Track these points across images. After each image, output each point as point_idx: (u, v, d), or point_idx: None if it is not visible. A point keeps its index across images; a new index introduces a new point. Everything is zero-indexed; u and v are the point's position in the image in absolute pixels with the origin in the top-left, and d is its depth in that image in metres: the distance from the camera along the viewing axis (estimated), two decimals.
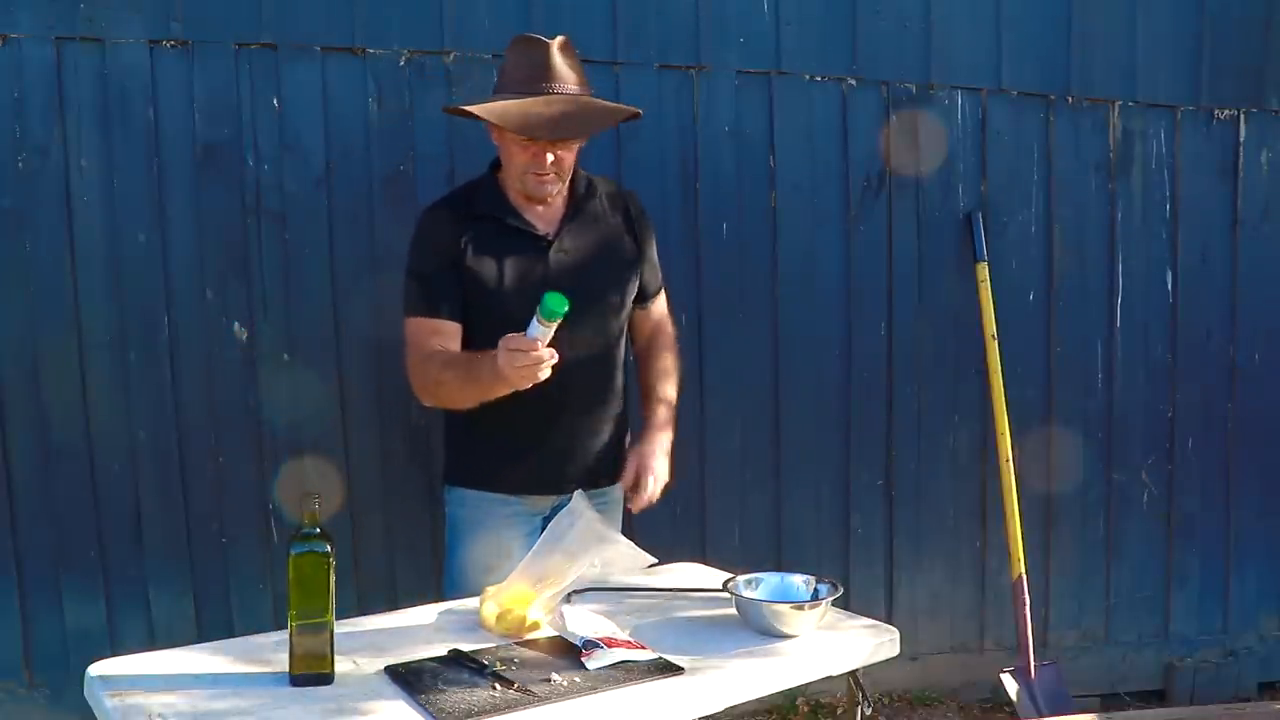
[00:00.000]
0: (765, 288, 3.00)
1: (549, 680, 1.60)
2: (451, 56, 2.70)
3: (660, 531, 2.87)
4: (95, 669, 1.61)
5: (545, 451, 2.23)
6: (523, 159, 2.13)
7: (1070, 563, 3.31)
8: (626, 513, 2.50)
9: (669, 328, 2.46)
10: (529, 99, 2.10)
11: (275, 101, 2.59)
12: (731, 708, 1.71)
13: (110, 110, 2.49)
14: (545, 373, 1.87)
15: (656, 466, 2.25)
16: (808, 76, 2.98)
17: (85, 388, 2.53)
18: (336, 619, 1.59)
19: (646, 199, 2.42)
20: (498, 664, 1.65)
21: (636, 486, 2.25)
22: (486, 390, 2.01)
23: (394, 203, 2.65)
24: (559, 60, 2.13)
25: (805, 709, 3.11)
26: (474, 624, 1.85)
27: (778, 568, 2.03)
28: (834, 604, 1.89)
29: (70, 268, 2.50)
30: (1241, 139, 3.33)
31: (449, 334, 2.16)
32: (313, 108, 2.61)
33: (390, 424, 2.72)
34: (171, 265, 2.56)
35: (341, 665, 1.61)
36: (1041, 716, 2.96)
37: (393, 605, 2.15)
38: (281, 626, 1.63)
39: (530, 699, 1.54)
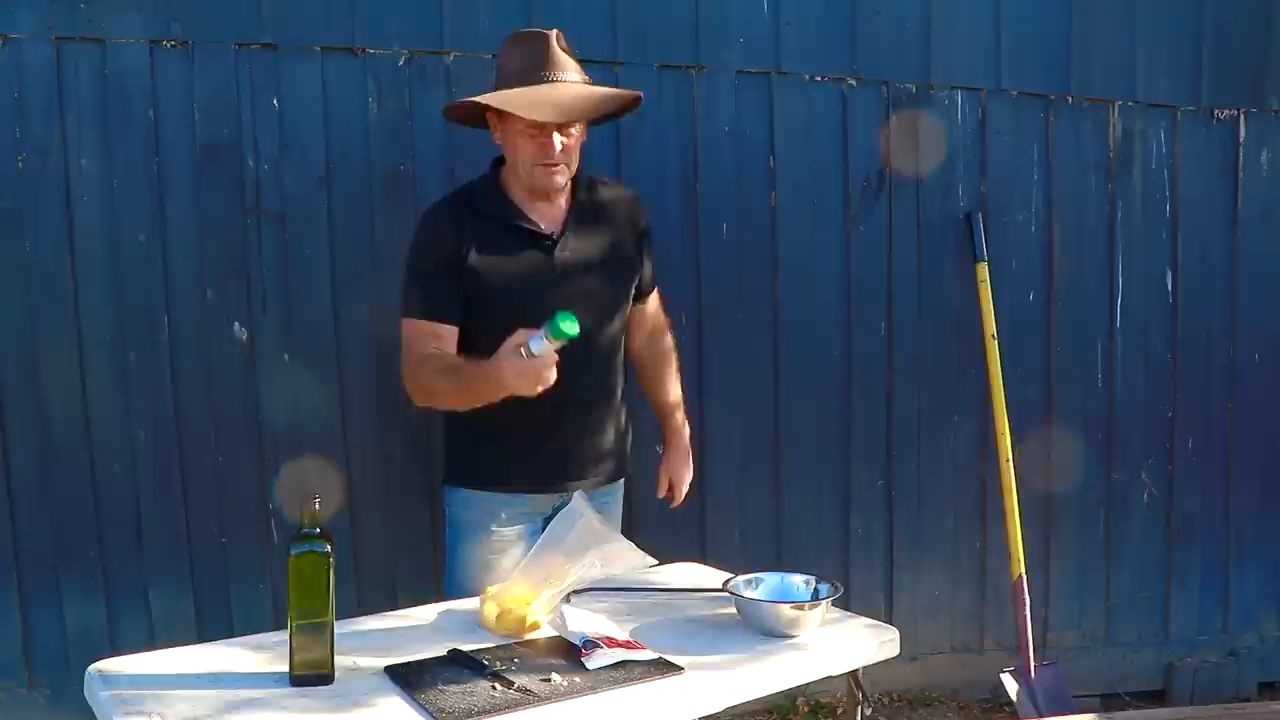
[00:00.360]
0: (765, 288, 3.00)
1: (549, 680, 1.60)
2: (451, 56, 2.70)
3: (660, 531, 2.87)
4: (95, 668, 1.61)
5: (547, 450, 2.23)
6: (530, 149, 2.12)
7: (1070, 563, 3.31)
8: (626, 512, 2.51)
9: (664, 323, 2.49)
10: (532, 87, 2.10)
11: (275, 101, 2.59)
12: (731, 708, 1.71)
13: (110, 110, 2.49)
14: (548, 381, 1.88)
15: (687, 476, 2.51)
16: (808, 76, 2.98)
17: (85, 388, 2.53)
18: (336, 619, 1.59)
19: (646, 199, 2.42)
20: (498, 664, 1.65)
21: (670, 493, 2.52)
22: (483, 398, 2.02)
23: (394, 203, 2.65)
24: (558, 50, 2.15)
25: (805, 709, 3.11)
26: (474, 624, 1.85)
27: (778, 568, 2.02)
28: (834, 604, 1.90)
29: (70, 268, 2.50)
30: (1241, 139, 3.33)
31: (446, 338, 2.16)
32: (312, 108, 2.61)
33: (390, 424, 2.72)
34: (171, 265, 2.56)
35: (341, 665, 1.61)
36: (1041, 716, 2.96)
37: (393, 605, 2.14)
38: (281, 626, 1.63)
39: (530, 699, 1.54)
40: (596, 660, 1.66)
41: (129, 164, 2.52)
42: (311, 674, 1.57)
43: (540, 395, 1.94)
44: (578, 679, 1.62)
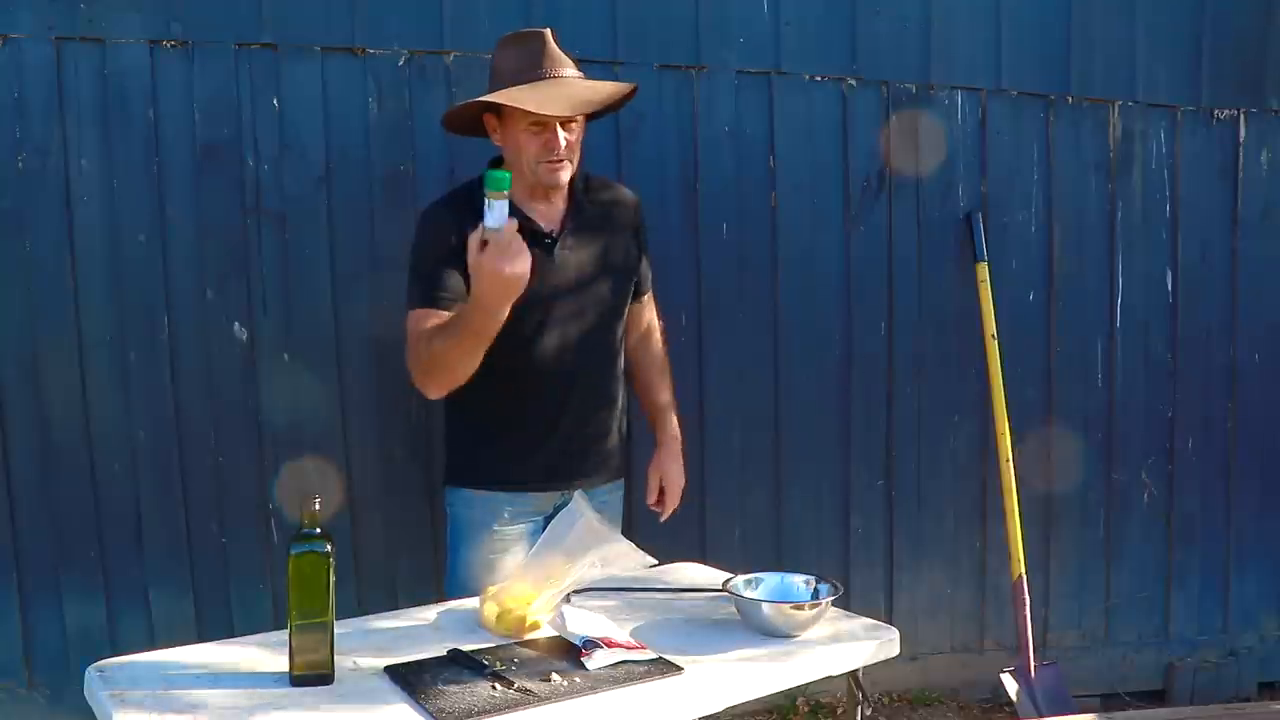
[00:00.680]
0: (765, 288, 3.00)
1: (549, 680, 1.60)
2: (451, 56, 2.70)
3: (660, 531, 2.87)
4: (95, 669, 1.61)
5: (548, 449, 2.23)
6: (535, 146, 2.12)
7: (1070, 563, 3.31)
8: (626, 512, 2.51)
9: (657, 324, 2.49)
10: (533, 85, 2.10)
11: (275, 101, 2.59)
12: (731, 708, 1.71)
13: (110, 110, 2.49)
14: (524, 264, 1.80)
15: (678, 479, 2.43)
16: (808, 76, 2.98)
17: (85, 388, 2.53)
18: (336, 619, 1.59)
19: (646, 199, 2.42)
20: (498, 664, 1.65)
21: (661, 500, 2.44)
22: (483, 331, 1.92)
23: (394, 203, 2.65)
24: (555, 47, 2.16)
25: (805, 709, 3.11)
26: (474, 624, 1.85)
27: (778, 568, 2.02)
28: (834, 604, 1.89)
29: (70, 268, 2.50)
30: (1241, 139, 3.33)
31: None
32: (313, 108, 2.61)
33: (390, 424, 2.72)
34: (171, 265, 2.56)
35: (341, 665, 1.61)
36: (1041, 716, 2.96)
37: (393, 605, 2.15)
38: (281, 626, 1.63)
39: (530, 699, 1.54)
40: (596, 660, 1.66)
41: (129, 164, 2.52)
42: (311, 674, 1.57)
43: (542, 390, 2.02)
44: (578, 679, 1.62)
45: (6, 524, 2.50)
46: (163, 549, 2.60)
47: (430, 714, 1.49)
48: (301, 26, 2.58)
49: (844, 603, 1.98)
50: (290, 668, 1.57)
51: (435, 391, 2.09)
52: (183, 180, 2.55)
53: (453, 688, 1.57)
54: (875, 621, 1.95)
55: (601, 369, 2.28)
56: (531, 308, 2.15)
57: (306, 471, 2.63)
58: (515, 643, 1.77)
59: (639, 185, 2.46)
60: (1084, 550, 3.32)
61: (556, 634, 1.78)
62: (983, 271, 3.09)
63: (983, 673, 3.20)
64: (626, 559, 1.85)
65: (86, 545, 2.55)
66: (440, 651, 1.71)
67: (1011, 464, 3.07)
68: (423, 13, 2.66)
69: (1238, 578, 3.45)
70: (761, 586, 1.94)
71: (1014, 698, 3.03)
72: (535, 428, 2.19)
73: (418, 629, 1.85)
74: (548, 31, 2.17)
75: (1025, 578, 3.06)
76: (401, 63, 2.67)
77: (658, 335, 2.49)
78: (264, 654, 1.68)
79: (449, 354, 1.99)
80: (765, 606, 1.85)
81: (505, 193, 1.77)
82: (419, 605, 2.00)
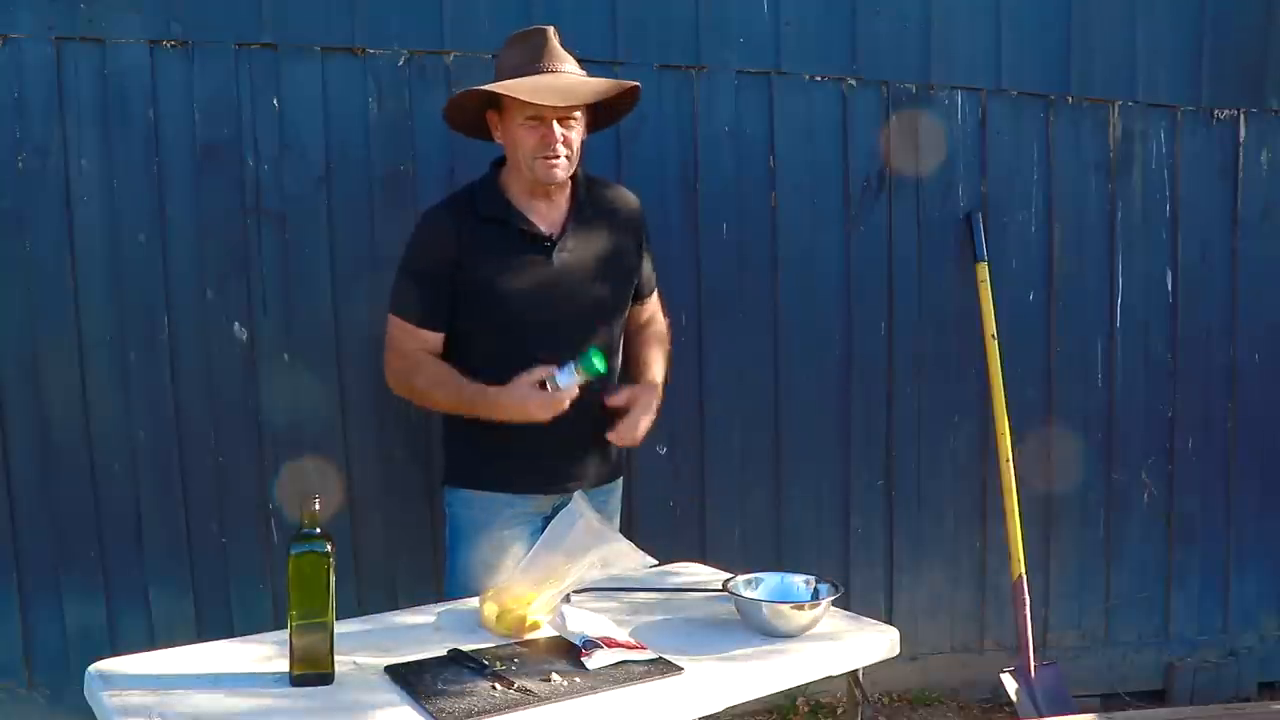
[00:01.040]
0: (765, 288, 3.00)
1: (549, 680, 1.60)
2: (451, 56, 2.70)
3: (660, 531, 2.87)
4: (95, 669, 1.61)
5: (546, 452, 2.23)
6: (531, 141, 2.13)
7: (1070, 563, 3.31)
8: (626, 512, 2.51)
9: (661, 322, 2.47)
10: (532, 76, 2.11)
11: (275, 101, 2.59)
12: (731, 708, 1.71)
13: (110, 110, 2.49)
14: (549, 415, 2.08)
15: (645, 413, 2.24)
16: (808, 76, 2.98)
17: (85, 388, 2.53)
18: (336, 619, 1.59)
19: (646, 199, 2.42)
20: (498, 664, 1.65)
21: (625, 414, 2.24)
22: (470, 409, 2.16)
23: (394, 203, 2.65)
24: (555, 43, 2.17)
25: (805, 709, 3.11)
26: (474, 624, 1.85)
27: (778, 568, 2.02)
28: (834, 604, 1.89)
29: (70, 268, 2.50)
30: (1241, 139, 3.33)
31: (431, 344, 2.21)
32: (312, 108, 2.61)
33: (390, 424, 2.72)
34: (171, 265, 2.56)
35: (341, 665, 1.61)
36: (1041, 716, 2.96)
37: (393, 605, 2.15)
38: (281, 626, 1.63)
39: (530, 699, 1.54)
40: (596, 660, 1.66)
41: (129, 164, 2.52)
42: (311, 674, 1.57)
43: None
44: (578, 679, 1.62)
45: (6, 524, 2.50)
46: (163, 549, 2.60)
47: (430, 714, 1.49)
48: (301, 26, 2.58)
49: (844, 603, 1.98)
50: (290, 668, 1.57)
51: (400, 395, 2.29)
52: (183, 180, 2.55)
53: (453, 688, 1.57)
54: (875, 621, 1.95)
55: None
56: (530, 310, 2.16)
57: (306, 471, 2.63)
58: (515, 643, 1.77)
59: (639, 185, 2.46)
60: (1084, 550, 3.32)
61: (556, 634, 1.78)
62: (983, 271, 3.09)
63: (983, 673, 3.20)
64: (626, 559, 1.85)
65: (86, 545, 2.55)
66: (440, 651, 1.71)
67: (1011, 464, 3.07)
68: (423, 13, 2.66)
69: (1238, 578, 3.45)
70: (761, 586, 1.94)
71: (1014, 698, 3.03)
72: (533, 434, 2.19)
73: (418, 629, 1.85)
74: (551, 29, 2.18)
75: (1025, 578, 3.06)
76: (401, 63, 2.67)
77: (658, 328, 2.46)
78: (264, 654, 1.68)
79: (436, 402, 2.24)
80: (765, 606, 1.85)
81: (591, 377, 2.07)
82: (419, 605, 2.00)
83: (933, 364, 3.15)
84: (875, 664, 1.87)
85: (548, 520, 2.24)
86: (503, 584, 1.87)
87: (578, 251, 2.22)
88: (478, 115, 2.22)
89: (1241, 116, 3.32)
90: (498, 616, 1.81)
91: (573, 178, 2.24)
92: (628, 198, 2.35)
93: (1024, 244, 3.19)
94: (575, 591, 1.91)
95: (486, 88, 2.13)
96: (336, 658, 1.59)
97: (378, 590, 2.67)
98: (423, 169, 2.68)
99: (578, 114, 2.17)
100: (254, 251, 2.61)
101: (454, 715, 1.48)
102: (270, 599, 2.63)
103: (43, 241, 2.49)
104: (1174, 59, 3.24)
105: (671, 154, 2.89)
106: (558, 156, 2.13)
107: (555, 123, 2.11)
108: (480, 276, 2.16)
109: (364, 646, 1.73)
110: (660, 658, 1.70)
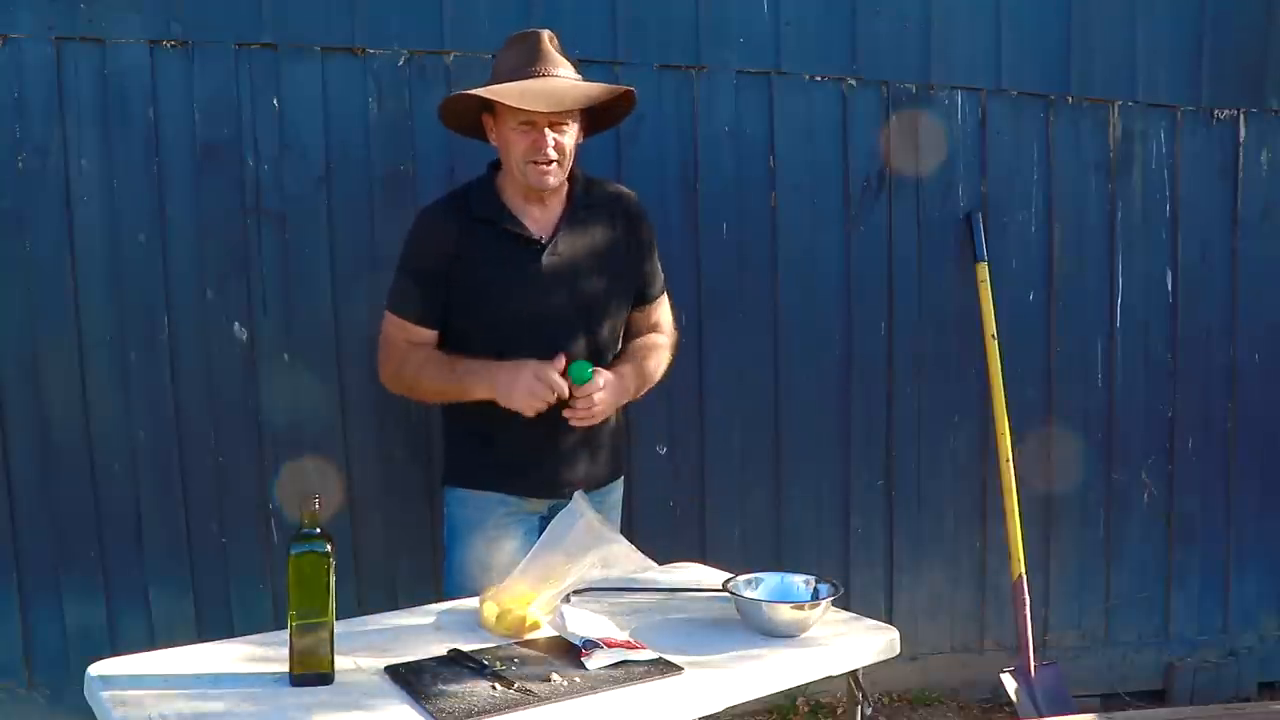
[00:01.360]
0: (765, 288, 3.00)
1: (549, 680, 1.60)
2: (451, 56, 2.70)
3: (660, 531, 2.87)
4: (95, 669, 1.61)
5: (542, 456, 2.23)
6: (523, 145, 2.12)
7: (1070, 563, 3.31)
8: (626, 512, 2.51)
9: (666, 329, 2.43)
10: (524, 81, 2.11)
11: (275, 101, 2.59)
12: (731, 708, 1.71)
13: (110, 110, 2.49)
14: (537, 403, 2.08)
15: (604, 390, 2.15)
16: (808, 76, 2.98)
17: (85, 388, 2.53)
18: (336, 619, 1.59)
19: (646, 199, 2.41)
20: (498, 664, 1.65)
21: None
22: (467, 391, 2.15)
23: (394, 203, 2.65)
24: (549, 47, 2.16)
25: (805, 709, 3.11)
26: (474, 624, 1.85)
27: (778, 568, 2.02)
28: (834, 604, 1.89)
29: (70, 268, 2.50)
30: (1241, 139, 3.33)
31: (426, 341, 2.21)
32: (312, 108, 2.61)
33: (390, 424, 2.72)
34: (171, 265, 2.56)
35: (341, 665, 1.61)
36: (1041, 716, 2.96)
37: (393, 605, 2.15)
38: (281, 626, 1.63)
39: (530, 699, 1.54)
40: (596, 660, 1.66)
41: (129, 164, 2.52)
42: (311, 674, 1.57)
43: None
44: (578, 679, 1.62)
45: (6, 524, 2.50)
46: (163, 549, 2.60)
47: (430, 714, 1.49)
48: (301, 26, 2.58)
49: (844, 603, 1.98)
50: (290, 668, 1.57)
51: (395, 392, 2.30)
52: (183, 180, 2.55)
53: (453, 688, 1.57)
54: (875, 621, 1.95)
55: None
56: (518, 312, 2.15)
57: (306, 471, 2.63)
58: (515, 643, 1.77)
59: (639, 185, 2.46)
60: (1084, 550, 3.32)
61: (556, 634, 1.78)
62: (983, 271, 3.09)
63: (983, 673, 3.20)
64: (626, 561, 1.84)
65: (86, 545, 2.55)
66: (440, 651, 1.71)
67: (1011, 464, 3.07)
68: (423, 13, 2.66)
69: (1238, 578, 3.45)
70: (761, 586, 1.94)
71: (1014, 698, 3.03)
72: (529, 433, 2.19)
73: (418, 629, 1.85)
74: (546, 33, 2.18)
75: (1025, 578, 3.06)
76: (401, 63, 2.67)
77: (662, 332, 2.41)
78: (264, 654, 1.68)
79: (427, 390, 2.23)
80: (765, 606, 1.85)
81: (577, 386, 2.12)
82: (419, 605, 2.00)
83: (933, 364, 3.15)
84: (875, 664, 1.87)
85: (544, 520, 2.26)
86: (503, 584, 1.87)
87: (568, 254, 2.21)
88: (475, 117, 2.22)
89: (1241, 116, 3.32)
90: (498, 616, 1.81)
91: (570, 179, 2.23)
92: (627, 199, 2.33)
93: (1024, 244, 3.19)
94: (575, 592, 1.91)
95: (476, 92, 2.13)
96: (336, 658, 1.59)
97: (378, 590, 2.67)
98: (423, 169, 2.68)
99: (570, 119, 2.16)
100: (254, 251, 2.61)
101: (454, 715, 1.48)
102: (270, 599, 2.63)
103: (43, 241, 2.49)
104: (1174, 59, 3.24)
105: (671, 154, 2.89)
106: (549, 162, 2.13)
107: (547, 128, 2.11)
108: (472, 277, 2.16)
109: (364, 646, 1.73)
110: (660, 658, 1.70)
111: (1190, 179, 3.30)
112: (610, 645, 1.69)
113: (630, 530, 2.66)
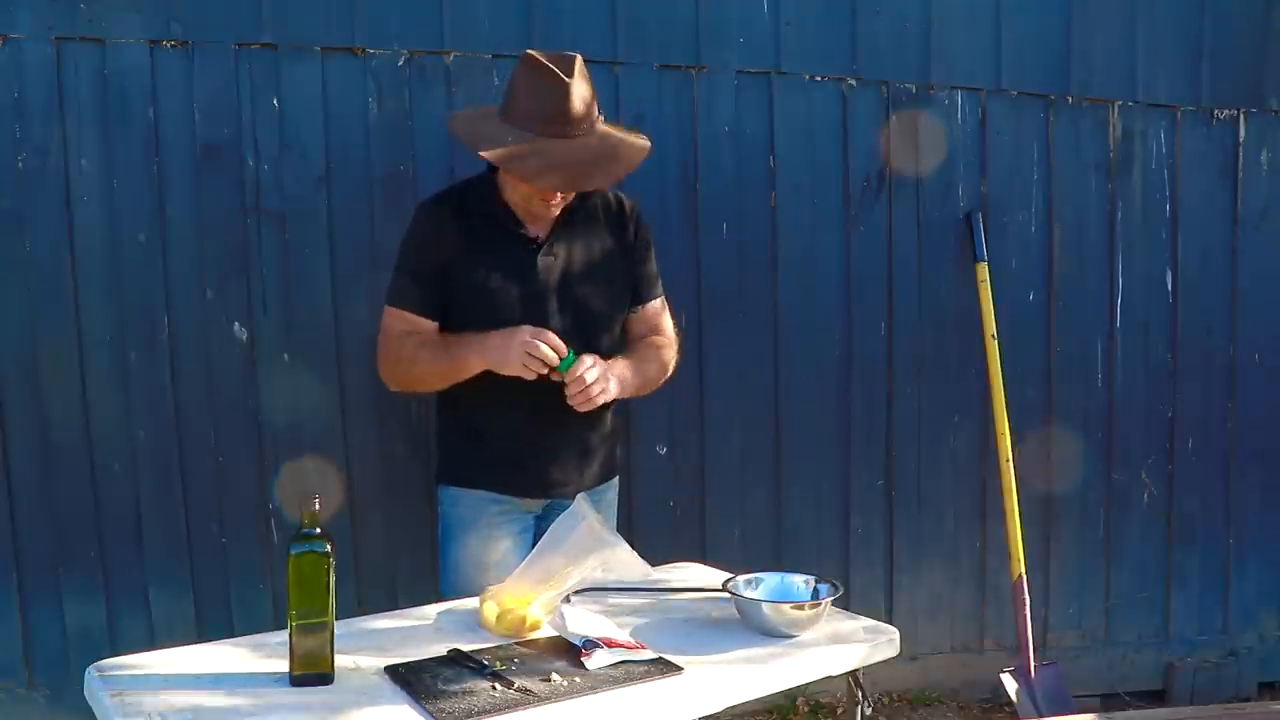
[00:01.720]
0: (765, 288, 3.00)
1: (549, 680, 1.60)
2: (451, 56, 2.70)
3: (660, 531, 2.88)
4: (95, 668, 1.61)
5: (536, 456, 2.23)
6: (528, 189, 2.12)
7: (1070, 563, 3.31)
8: (625, 512, 2.50)
9: (666, 335, 2.40)
10: (544, 141, 2.04)
11: (275, 101, 2.59)
12: (731, 708, 1.71)
13: (110, 110, 2.49)
14: (517, 364, 2.04)
15: (596, 375, 2.09)
16: (808, 76, 2.98)
17: (85, 387, 2.53)
18: (336, 619, 1.59)
19: (646, 199, 2.42)
20: (498, 664, 1.65)
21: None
22: (461, 363, 2.12)
23: (394, 203, 2.64)
24: (577, 100, 2.05)
25: (805, 709, 3.11)
26: (474, 624, 1.85)
27: (778, 568, 2.02)
28: (834, 604, 1.89)
29: (70, 268, 2.50)
30: (1241, 139, 3.33)
31: (426, 330, 2.19)
32: (312, 108, 2.61)
33: (390, 423, 2.72)
34: (171, 265, 2.56)
35: (341, 665, 1.61)
36: (1041, 716, 2.96)
37: (393, 605, 2.15)
38: (281, 626, 1.63)
39: (530, 699, 1.54)
40: (596, 660, 1.66)
41: (129, 164, 2.52)
42: (311, 674, 1.57)
43: (531, 398, 2.07)
44: (578, 679, 1.62)
45: (6, 524, 2.50)
46: (163, 549, 2.60)
47: (430, 714, 1.49)
48: (301, 26, 2.58)
49: (844, 603, 1.99)
50: (290, 668, 1.57)
51: (396, 389, 2.28)
52: (183, 180, 2.55)
53: (453, 688, 1.57)
54: (875, 621, 1.94)
55: None
56: (517, 312, 2.15)
57: (306, 471, 2.63)
58: (515, 643, 1.77)
59: (639, 185, 2.46)
60: (1084, 550, 3.32)
61: (556, 634, 1.78)
62: (983, 271, 3.09)
63: (983, 673, 3.20)
64: (627, 567, 1.84)
65: (86, 545, 2.55)
66: (440, 651, 1.71)
67: (1011, 464, 3.07)
68: (423, 13, 2.66)
69: (1238, 578, 3.45)
70: (761, 586, 1.94)
71: (1014, 698, 3.03)
72: (522, 434, 2.19)
73: (418, 629, 1.85)
74: (574, 81, 2.04)
75: (1025, 578, 3.06)
76: (401, 63, 2.67)
77: (663, 335, 2.39)
78: (264, 654, 1.68)
79: (424, 367, 2.18)
80: (765, 606, 1.85)
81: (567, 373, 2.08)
82: (419, 605, 2.00)
83: (933, 364, 3.15)
84: (875, 664, 1.87)
85: (538, 519, 2.26)
86: (503, 584, 1.87)
87: (564, 255, 2.21)
88: None
89: (1241, 116, 3.32)
90: (498, 616, 1.81)
91: None
92: (624, 201, 2.32)
93: (1024, 244, 3.19)
94: (575, 591, 1.91)
95: (494, 159, 2.04)
96: (336, 658, 1.59)
97: (378, 590, 2.67)
98: (423, 169, 2.68)
99: None
100: (254, 251, 2.61)
101: (454, 715, 1.48)
102: (270, 599, 2.63)
103: (43, 241, 2.48)
104: (1174, 59, 3.24)
105: (671, 154, 2.89)
106: (555, 200, 2.14)
107: None
108: (468, 274, 2.16)
109: (364, 646, 1.73)
110: (660, 658, 1.70)
111: (1190, 179, 3.30)
112: (610, 645, 1.69)
113: (630, 530, 2.67)
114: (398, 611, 1.98)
